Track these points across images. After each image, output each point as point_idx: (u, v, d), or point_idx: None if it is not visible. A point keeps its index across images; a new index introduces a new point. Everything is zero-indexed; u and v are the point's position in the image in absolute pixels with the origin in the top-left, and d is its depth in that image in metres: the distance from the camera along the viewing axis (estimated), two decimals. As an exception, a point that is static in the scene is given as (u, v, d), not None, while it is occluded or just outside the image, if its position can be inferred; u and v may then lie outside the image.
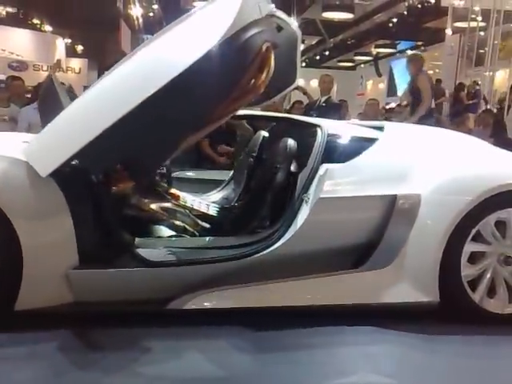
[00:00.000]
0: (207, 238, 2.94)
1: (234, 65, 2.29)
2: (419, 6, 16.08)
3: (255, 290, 2.58)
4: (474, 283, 2.69)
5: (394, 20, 17.75)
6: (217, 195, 3.64)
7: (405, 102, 7.03)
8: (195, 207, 3.15)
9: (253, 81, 2.47)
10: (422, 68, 6.45)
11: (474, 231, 2.63)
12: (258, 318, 2.58)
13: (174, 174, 3.70)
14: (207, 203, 3.27)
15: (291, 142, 3.05)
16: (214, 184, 3.78)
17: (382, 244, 2.69)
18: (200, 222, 3.09)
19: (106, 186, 2.47)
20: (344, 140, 3.02)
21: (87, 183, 2.41)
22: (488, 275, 2.69)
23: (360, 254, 2.72)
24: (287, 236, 2.62)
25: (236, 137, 4.96)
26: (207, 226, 3.08)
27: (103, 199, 2.46)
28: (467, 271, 2.66)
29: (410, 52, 21.75)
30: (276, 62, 2.65)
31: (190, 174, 4.06)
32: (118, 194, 2.64)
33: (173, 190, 3.14)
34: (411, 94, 6.30)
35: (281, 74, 2.81)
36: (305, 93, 7.26)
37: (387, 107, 10.13)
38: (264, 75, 2.45)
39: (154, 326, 2.51)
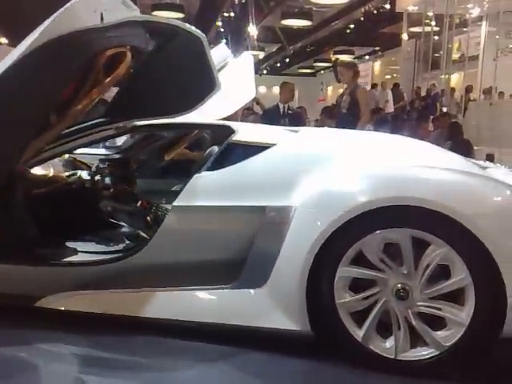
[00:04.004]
0: (109, 244, 2.94)
1: (60, 67, 2.37)
2: (375, 12, 16.43)
3: (113, 297, 2.54)
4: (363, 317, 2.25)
5: (352, 26, 18.10)
6: None
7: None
8: (160, 216, 3.15)
9: (96, 83, 2.58)
10: (357, 77, 6.06)
11: (350, 253, 2.20)
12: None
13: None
14: None
15: (214, 149, 3.03)
16: None
17: (250, 261, 2.40)
18: None
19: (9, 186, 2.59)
20: (240, 146, 2.73)
21: None
22: (376, 309, 2.21)
23: (228, 271, 2.46)
24: (147, 245, 2.55)
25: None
26: None
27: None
28: (346, 300, 2.22)
29: (367, 57, 22.27)
30: (180, 68, 2.70)
31: None
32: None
33: (143, 198, 3.14)
34: (350, 106, 5.93)
35: (194, 80, 2.81)
36: (257, 102, 7.27)
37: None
38: (110, 79, 2.57)
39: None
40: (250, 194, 2.49)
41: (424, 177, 2.32)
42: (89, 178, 3.17)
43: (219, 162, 2.66)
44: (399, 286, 2.19)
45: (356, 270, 2.22)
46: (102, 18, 2.41)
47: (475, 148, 6.94)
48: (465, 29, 13.62)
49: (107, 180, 3.20)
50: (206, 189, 2.55)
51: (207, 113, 3.26)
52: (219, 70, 3.51)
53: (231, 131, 2.85)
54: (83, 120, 2.95)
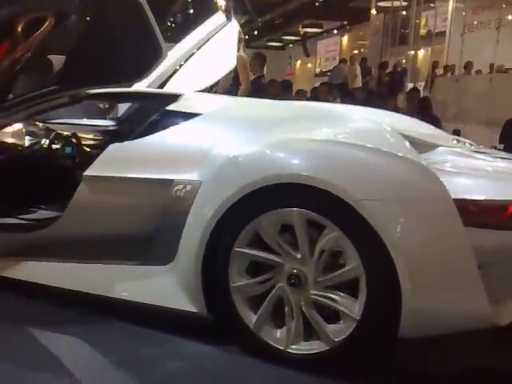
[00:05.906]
0: (43, 212, 2.88)
1: None
2: (344, -15, 16.31)
3: (30, 265, 2.52)
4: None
5: (321, 0, 17.93)
6: None
7: None
8: None
9: (17, 44, 2.63)
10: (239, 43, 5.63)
11: (245, 234, 2.03)
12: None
13: None
14: None
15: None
16: None
17: (157, 237, 2.29)
18: None
19: None
20: (170, 115, 2.59)
21: None
22: (270, 295, 2.03)
23: (137, 246, 2.35)
24: (61, 216, 2.51)
25: None
26: None
27: None
28: (240, 283, 2.06)
29: (335, 31, 22.17)
30: (122, 36, 2.65)
31: None
32: None
33: None
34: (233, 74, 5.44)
35: (137, 48, 2.71)
36: None
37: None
38: (31, 40, 2.60)
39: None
40: (161, 165, 2.38)
41: (321, 153, 2.07)
42: (48, 146, 3.05)
43: (144, 132, 2.55)
44: (294, 271, 1.99)
45: (249, 251, 2.05)
46: None
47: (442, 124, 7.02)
48: (432, 4, 13.68)
49: (68, 149, 3.07)
50: (118, 159, 2.45)
51: (186, 83, 3.14)
52: (210, 37, 3.27)
53: (175, 100, 2.68)
54: (36, 88, 2.85)
